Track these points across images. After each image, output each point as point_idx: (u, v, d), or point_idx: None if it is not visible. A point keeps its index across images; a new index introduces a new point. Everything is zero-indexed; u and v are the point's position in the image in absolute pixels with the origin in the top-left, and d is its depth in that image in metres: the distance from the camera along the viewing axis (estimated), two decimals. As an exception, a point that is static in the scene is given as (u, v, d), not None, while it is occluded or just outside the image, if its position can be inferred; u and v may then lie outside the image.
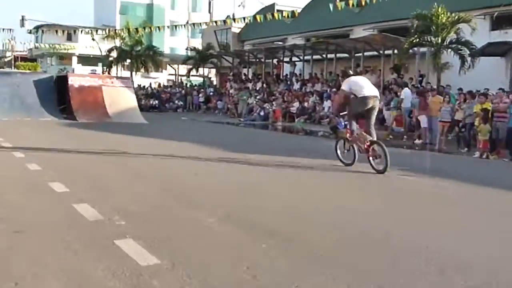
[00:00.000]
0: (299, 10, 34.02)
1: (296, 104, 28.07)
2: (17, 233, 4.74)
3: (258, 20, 32.32)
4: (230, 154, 11.23)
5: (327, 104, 26.73)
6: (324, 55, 31.46)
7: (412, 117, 18.93)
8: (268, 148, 13.50)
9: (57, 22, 54.87)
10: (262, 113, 28.50)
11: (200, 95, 37.75)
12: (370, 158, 9.44)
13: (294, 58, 34.41)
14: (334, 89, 27.82)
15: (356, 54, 28.55)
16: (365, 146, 9.44)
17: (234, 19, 39.24)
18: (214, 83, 45.92)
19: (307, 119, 25.31)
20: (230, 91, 36.25)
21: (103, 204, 5.90)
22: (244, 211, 5.94)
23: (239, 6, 43.80)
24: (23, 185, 7.00)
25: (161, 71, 50.92)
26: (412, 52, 23.27)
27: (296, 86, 31.49)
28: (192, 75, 42.39)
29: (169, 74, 57.87)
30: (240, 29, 44.28)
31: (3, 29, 31.75)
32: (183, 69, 58.71)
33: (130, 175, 8.26)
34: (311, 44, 31.50)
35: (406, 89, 19.74)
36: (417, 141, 17.53)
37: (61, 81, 22.65)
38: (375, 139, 9.58)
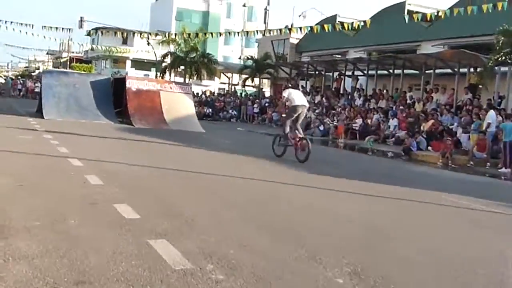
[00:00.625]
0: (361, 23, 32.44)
1: (359, 121, 26.50)
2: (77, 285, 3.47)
3: (315, 31, 31.00)
4: (314, 177, 9.83)
5: (393, 122, 25.06)
6: (390, 70, 29.78)
7: (496, 142, 17.21)
8: (352, 171, 12.07)
9: (114, 25, 54.94)
10: (321, 128, 27.02)
11: (255, 105, 36.55)
12: (298, 150, 12.35)
13: (356, 72, 32.83)
14: (401, 107, 26.22)
15: (427, 71, 26.80)
16: (295, 141, 12.43)
17: (290, 29, 37.99)
18: (268, 93, 44.73)
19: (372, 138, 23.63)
20: (287, 103, 34.91)
21: (187, 242, 4.57)
22: (375, 263, 4.52)
23: (299, 16, 42.55)
24: (86, 207, 5.75)
25: (213, 79, 50.03)
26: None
27: (359, 101, 29.89)
28: (247, 85, 41.29)
29: (221, 83, 57.07)
30: (298, 40, 43.00)
31: (63, 29, 31.21)
32: (236, 78, 57.95)
33: (213, 201, 6.85)
34: (377, 58, 29.87)
35: (491, 111, 17.96)
36: (503, 170, 15.76)
37: (118, 84, 21.77)
38: (302, 136, 12.69)
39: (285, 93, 12.98)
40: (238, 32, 42.30)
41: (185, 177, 8.53)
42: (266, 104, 36.65)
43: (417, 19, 25.97)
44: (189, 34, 39.56)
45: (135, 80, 21.03)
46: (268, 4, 72.63)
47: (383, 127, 25.43)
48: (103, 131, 16.60)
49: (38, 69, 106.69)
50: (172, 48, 47.72)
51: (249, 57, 39.85)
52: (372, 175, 11.46)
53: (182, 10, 68.24)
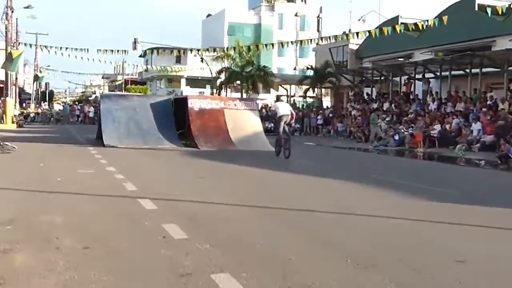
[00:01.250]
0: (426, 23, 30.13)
1: (437, 127, 24.34)
2: None
3: (373, 35, 29.15)
4: (441, 207, 8.02)
5: (476, 126, 22.84)
6: (467, 70, 27.52)
7: None
8: (469, 190, 10.17)
9: (167, 45, 54.39)
10: (396, 138, 24.97)
11: (319, 117, 34.79)
12: (283, 149, 15.82)
13: (426, 75, 30.64)
14: (483, 109, 23.96)
15: (510, 68, 24.44)
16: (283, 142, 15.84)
17: (347, 35, 36.31)
18: (327, 103, 42.89)
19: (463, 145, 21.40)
20: (352, 113, 33.03)
21: None
22: None
23: (358, 20, 40.62)
24: (179, 285, 4.16)
25: (269, 92, 48.59)
26: None
27: (433, 106, 27.68)
28: (308, 96, 39.59)
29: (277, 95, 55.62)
30: (358, 46, 41.04)
31: (118, 51, 30.45)
32: (293, 89, 56.38)
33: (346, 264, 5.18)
34: (451, 58, 27.59)
35: None
36: None
37: (179, 104, 20.49)
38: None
39: (274, 107, 17.13)
40: (291, 42, 40.72)
41: (288, 219, 6.87)
42: (330, 115, 34.86)
43: (490, 13, 23.96)
44: (247, 47, 38.45)
45: (197, 99, 19.67)
46: (321, 12, 70.96)
47: (465, 132, 23.23)
48: (169, 158, 15.25)
49: (95, 93, 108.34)
50: (226, 63, 46.73)
51: (309, 66, 38.13)
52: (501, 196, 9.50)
53: (234, 25, 67.31)
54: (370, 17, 42.56)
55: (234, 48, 39.17)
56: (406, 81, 31.02)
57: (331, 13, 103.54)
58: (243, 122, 19.67)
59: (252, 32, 66.88)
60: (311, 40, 35.06)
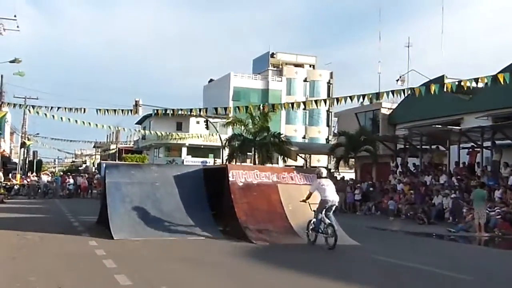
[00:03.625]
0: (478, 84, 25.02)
1: (531, 207, 18.92)
2: None
3: (417, 93, 23.99)
4: None
5: None
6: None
7: None
8: None
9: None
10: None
11: (357, 191, 29.28)
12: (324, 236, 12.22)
13: (486, 143, 25.39)
14: None
15: None
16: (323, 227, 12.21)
17: (371, 100, 31.53)
18: (352, 176, 37.47)
19: None
20: (398, 187, 27.58)
21: None
22: None
23: (397, 80, 35.92)
24: None
25: (285, 162, 43.16)
26: None
27: (512, 180, 22.26)
28: (341, 169, 34.22)
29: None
30: (390, 110, 36.17)
31: (122, 111, 25.18)
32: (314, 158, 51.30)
33: None
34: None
35: None
36: None
37: (210, 177, 14.95)
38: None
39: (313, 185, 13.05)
40: (315, 101, 35.42)
41: None
42: (371, 189, 29.39)
43: None
44: (259, 111, 33.57)
45: (241, 171, 14.06)
46: (331, 77, 66.97)
47: None
48: (212, 264, 9.54)
49: (85, 163, 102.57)
50: (236, 129, 41.78)
51: (340, 132, 32.88)
52: None
53: (240, 89, 62.88)
54: (411, 76, 37.56)
55: (246, 108, 34.32)
56: (471, 150, 25.74)
57: (341, 81, 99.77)
58: (305, 203, 14.08)
59: (259, 98, 62.35)
60: (337, 99, 29.82)
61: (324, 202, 12.30)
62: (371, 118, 37.26)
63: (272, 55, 69.18)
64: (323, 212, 12.23)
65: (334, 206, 12.57)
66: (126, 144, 75.00)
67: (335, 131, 66.38)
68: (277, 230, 13.14)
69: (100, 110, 24.82)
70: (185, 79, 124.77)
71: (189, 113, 37.35)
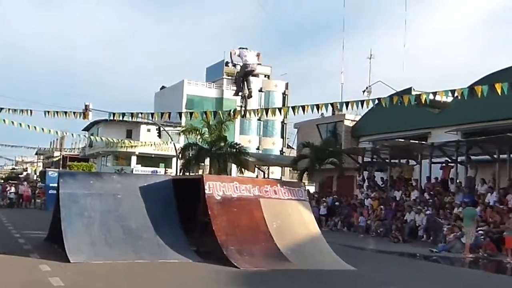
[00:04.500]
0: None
1: (513, 226, 17.79)
2: None
3: (384, 104, 22.74)
4: None
5: None
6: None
7: None
8: None
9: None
10: (463, 240, 18.16)
11: (322, 205, 27.83)
12: None
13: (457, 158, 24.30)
14: None
15: None
16: None
17: (334, 111, 30.70)
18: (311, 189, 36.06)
19: None
20: (366, 202, 26.28)
21: None
22: None
23: (363, 92, 34.78)
24: None
25: (243, 174, 41.36)
26: None
27: (491, 198, 21.21)
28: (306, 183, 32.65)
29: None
30: (354, 122, 35.02)
31: (74, 113, 22.84)
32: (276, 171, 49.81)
33: None
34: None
35: None
36: None
37: (180, 187, 13.06)
38: None
39: None
40: (278, 109, 34.18)
41: None
42: (337, 203, 27.98)
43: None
44: (204, 114, 32.01)
45: (218, 182, 12.22)
46: (287, 88, 65.79)
47: None
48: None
49: (26, 170, 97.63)
50: (183, 139, 39.94)
51: (305, 143, 31.38)
52: None
53: (193, 98, 60.80)
54: (376, 88, 36.46)
55: (205, 114, 32.67)
56: (444, 165, 24.66)
57: (298, 93, 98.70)
58: (290, 220, 12.42)
59: (213, 107, 60.31)
60: (302, 107, 28.45)
61: None
62: (332, 130, 36.00)
63: (227, 64, 67.19)
64: None
65: None
66: (71, 151, 71.55)
67: (289, 143, 65.41)
68: (262, 252, 11.37)
69: (48, 112, 22.35)
70: (135, 85, 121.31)
71: (150, 117, 34.92)
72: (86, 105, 36.58)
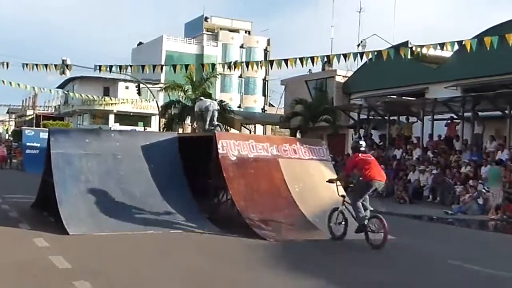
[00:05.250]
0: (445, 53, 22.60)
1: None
2: None
3: (385, 56, 21.25)
4: None
5: None
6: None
7: None
8: None
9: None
10: (480, 201, 17.11)
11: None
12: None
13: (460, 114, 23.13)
14: None
15: None
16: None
17: (328, 59, 29.35)
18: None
19: None
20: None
21: None
22: None
23: (358, 45, 33.23)
24: None
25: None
26: None
27: (502, 155, 20.13)
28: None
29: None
30: (346, 78, 33.55)
31: (55, 66, 21.03)
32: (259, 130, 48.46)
33: None
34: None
35: None
36: None
37: (188, 147, 11.53)
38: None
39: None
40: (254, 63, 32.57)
41: None
42: (332, 163, 26.63)
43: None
44: (186, 67, 30.31)
45: (232, 141, 10.69)
46: (268, 44, 63.80)
47: None
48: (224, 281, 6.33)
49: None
50: (164, 96, 38.21)
51: (297, 100, 29.89)
52: None
53: (173, 54, 58.43)
54: (371, 42, 34.86)
55: (187, 67, 30.88)
56: (449, 122, 23.43)
57: (281, 47, 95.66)
58: (313, 182, 11.04)
59: (194, 63, 58.21)
60: (285, 60, 26.93)
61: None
62: (321, 86, 34.44)
63: (206, 19, 65.11)
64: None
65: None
66: (45, 110, 68.98)
67: (270, 102, 63.82)
68: (287, 220, 9.99)
69: (27, 65, 20.51)
70: (111, 43, 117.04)
71: (140, 70, 32.80)
72: (63, 60, 34.30)
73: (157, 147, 11.23)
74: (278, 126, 42.28)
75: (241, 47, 62.27)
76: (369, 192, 9.28)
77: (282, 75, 66.97)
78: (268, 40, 63.94)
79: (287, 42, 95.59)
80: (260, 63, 21.43)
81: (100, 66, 19.86)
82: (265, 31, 66.99)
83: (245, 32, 66.40)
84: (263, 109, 61.39)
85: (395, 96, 26.53)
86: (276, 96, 55.68)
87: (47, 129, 16.10)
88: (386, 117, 26.73)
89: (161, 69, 23.78)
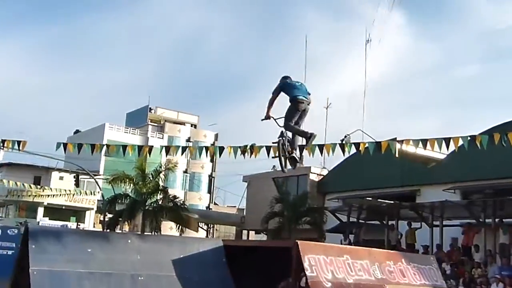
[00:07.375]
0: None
1: None
2: None
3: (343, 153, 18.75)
4: None
5: None
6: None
7: None
8: None
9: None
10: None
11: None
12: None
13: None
14: None
15: None
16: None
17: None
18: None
19: None
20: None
21: None
22: None
23: (342, 140, 30.17)
24: None
25: (182, 233, 35.07)
26: None
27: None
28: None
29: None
30: (321, 177, 30.45)
31: None
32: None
33: None
34: None
35: None
36: None
37: (237, 260, 7.42)
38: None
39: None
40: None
41: None
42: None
43: None
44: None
45: (322, 256, 6.73)
46: (216, 139, 60.81)
47: None
48: None
49: None
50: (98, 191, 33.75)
51: (279, 198, 26.14)
52: None
53: (113, 144, 53.92)
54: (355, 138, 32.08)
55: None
56: (465, 228, 20.23)
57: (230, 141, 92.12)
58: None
59: (136, 155, 53.98)
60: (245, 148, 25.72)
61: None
62: (288, 185, 30.95)
63: (150, 110, 62.14)
64: None
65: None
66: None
67: (216, 201, 59.95)
68: None
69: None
70: (44, 130, 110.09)
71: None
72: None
73: (197, 260, 7.07)
74: (235, 227, 38.18)
75: (188, 140, 59.10)
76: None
77: (231, 171, 63.57)
78: (216, 135, 61.30)
79: (237, 138, 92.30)
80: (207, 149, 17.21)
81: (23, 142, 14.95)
82: (213, 125, 64.35)
83: (191, 126, 63.72)
84: (208, 207, 57.44)
85: (372, 199, 23.49)
86: (221, 194, 51.98)
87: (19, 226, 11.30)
88: (384, 222, 23.38)
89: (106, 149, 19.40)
